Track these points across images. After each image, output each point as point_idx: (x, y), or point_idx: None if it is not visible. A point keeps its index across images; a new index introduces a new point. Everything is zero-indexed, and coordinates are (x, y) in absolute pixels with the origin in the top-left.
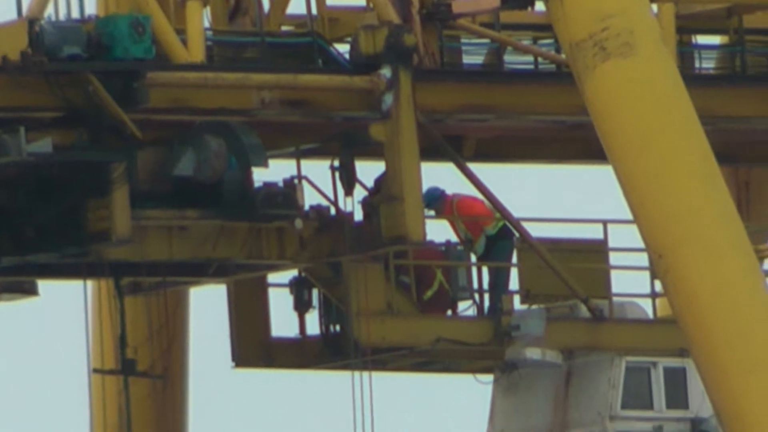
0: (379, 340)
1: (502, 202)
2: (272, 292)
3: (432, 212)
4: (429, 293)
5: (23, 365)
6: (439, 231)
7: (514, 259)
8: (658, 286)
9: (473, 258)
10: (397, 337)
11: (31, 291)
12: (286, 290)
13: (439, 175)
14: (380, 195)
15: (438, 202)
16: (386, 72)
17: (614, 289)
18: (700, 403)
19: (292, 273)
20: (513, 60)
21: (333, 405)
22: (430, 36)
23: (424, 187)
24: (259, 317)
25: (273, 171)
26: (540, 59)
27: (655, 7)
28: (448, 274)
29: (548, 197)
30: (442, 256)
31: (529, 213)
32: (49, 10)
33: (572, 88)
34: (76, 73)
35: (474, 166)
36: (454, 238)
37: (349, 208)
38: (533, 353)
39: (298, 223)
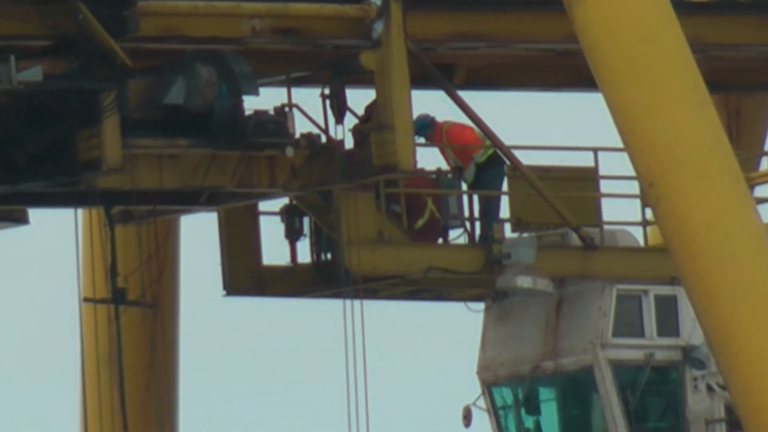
0: (370, 269)
1: (493, 129)
2: (263, 220)
3: (422, 139)
4: (420, 222)
5: (14, 294)
6: (429, 159)
7: (505, 187)
8: (649, 213)
9: (464, 186)
10: (388, 265)
11: (22, 219)
12: (277, 218)
13: (430, 103)
14: (371, 123)
15: (428, 129)
16: (377, 0)
17: (605, 217)
18: (690, 331)
19: (283, 201)
20: None
21: (324, 333)
22: None
23: (415, 115)
24: (250, 245)
25: (264, 99)
26: None
27: None
28: (439, 202)
29: (539, 125)
30: (432, 184)
31: (520, 140)
32: None
33: (563, 15)
34: (66, 2)
35: (465, 94)
36: (444, 166)
37: (339, 136)
38: (524, 281)
39: (289, 151)
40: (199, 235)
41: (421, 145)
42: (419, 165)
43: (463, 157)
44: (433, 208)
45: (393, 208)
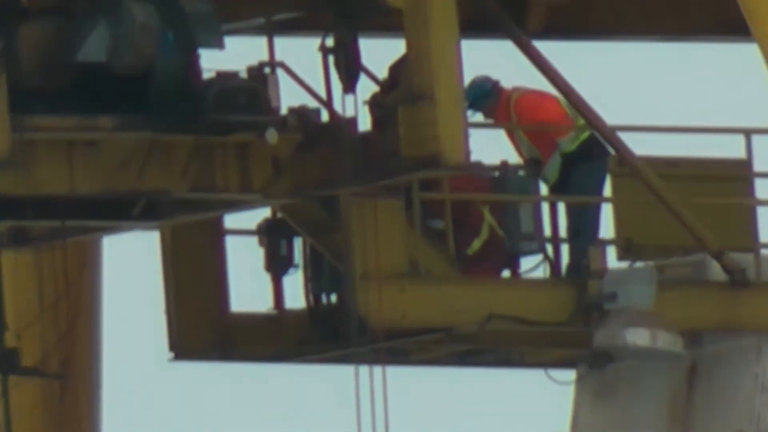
0: (398, 318)
1: (587, 100)
2: (231, 244)
3: (479, 116)
4: (476, 245)
5: None
6: (489, 147)
7: (608, 191)
8: None
9: (544, 190)
10: (427, 312)
11: None
12: (253, 240)
13: (491, 61)
14: (398, 91)
15: (488, 99)
16: None
17: (763, 237)
18: None
19: (263, 213)
20: None
21: (328, 417)
22: None
23: (468, 78)
24: (211, 282)
25: (231, 54)
26: None
27: None
28: (504, 214)
29: (658, 94)
30: (492, 186)
31: (629, 119)
32: None
33: None
34: None
35: (543, 46)
36: (513, 158)
37: (349, 112)
38: (638, 337)
39: (271, 135)
40: (132, 266)
41: (477, 125)
42: (474, 157)
43: (542, 144)
44: (493, 222)
45: (432, 223)
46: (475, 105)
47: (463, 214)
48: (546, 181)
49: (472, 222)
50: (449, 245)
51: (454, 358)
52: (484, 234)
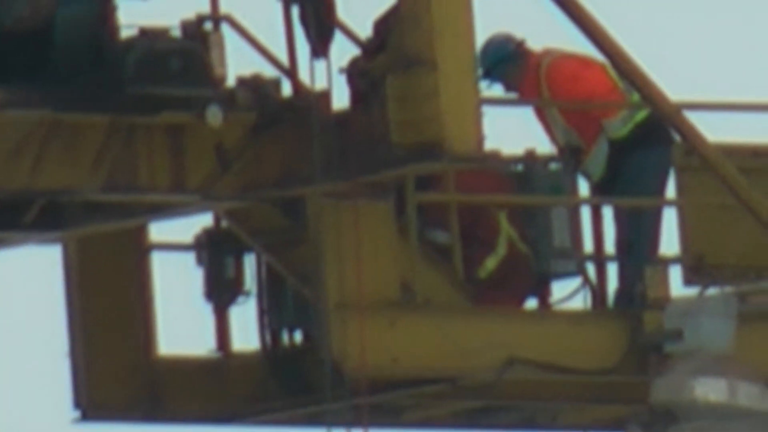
0: (386, 364)
1: (644, 69)
2: (159, 261)
3: (497, 87)
4: (490, 264)
5: None
6: (512, 131)
7: (672, 191)
8: None
9: (584, 188)
10: (425, 356)
11: None
12: (189, 258)
13: (514, 14)
14: (387, 55)
15: (510, 65)
16: None
17: None
18: None
19: (202, 221)
20: None
21: None
22: None
23: (483, 38)
24: (130, 315)
25: (161, 5)
26: None
27: None
28: (530, 223)
29: (738, 60)
30: (513, 185)
31: (701, 93)
32: None
33: None
34: None
35: None
36: (544, 146)
37: (320, 83)
38: (711, 389)
39: (214, 114)
40: (25, 291)
41: (494, 101)
42: (489, 145)
43: (583, 127)
44: (512, 233)
45: (432, 235)
46: (492, 73)
47: (473, 223)
48: (588, 176)
49: (485, 234)
50: (456, 264)
51: (462, 418)
52: (501, 249)
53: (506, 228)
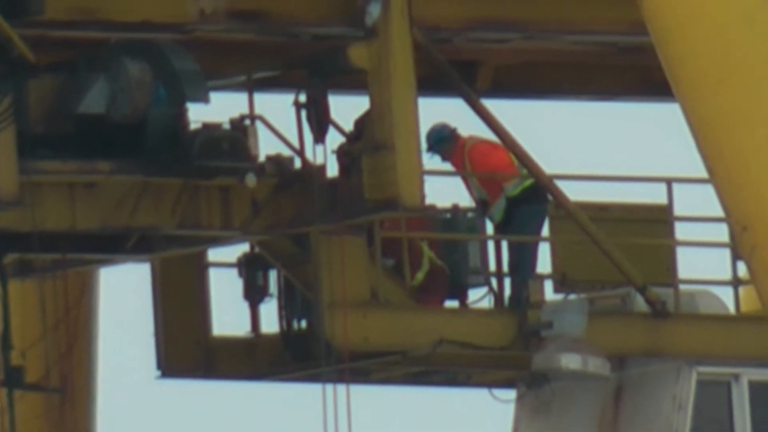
0: (360, 342)
1: (530, 152)
2: (214, 275)
3: (436, 158)
4: (419, 276)
5: None
6: (444, 188)
7: (547, 232)
8: (743, 268)
9: (489, 228)
10: (386, 337)
11: None
12: (234, 272)
13: (445, 115)
14: (362, 142)
15: (446, 144)
16: None
17: (682, 273)
18: None
19: (242, 248)
20: None
21: (297, 429)
22: None
23: (428, 126)
24: (194, 309)
25: (216, 107)
26: None
27: None
28: (452, 250)
29: (592, 147)
30: (440, 225)
31: (567, 168)
32: None
33: None
34: None
35: (491, 103)
36: (465, 199)
37: (319, 160)
38: (571, 361)
39: (250, 179)
40: (125, 294)
41: (431, 172)
42: (428, 200)
43: (491, 188)
44: (431, 255)
45: (383, 261)
46: (434, 148)
47: (407, 250)
48: (492, 220)
49: (414, 257)
50: (405, 278)
51: (409, 377)
52: (425, 266)
53: (427, 252)
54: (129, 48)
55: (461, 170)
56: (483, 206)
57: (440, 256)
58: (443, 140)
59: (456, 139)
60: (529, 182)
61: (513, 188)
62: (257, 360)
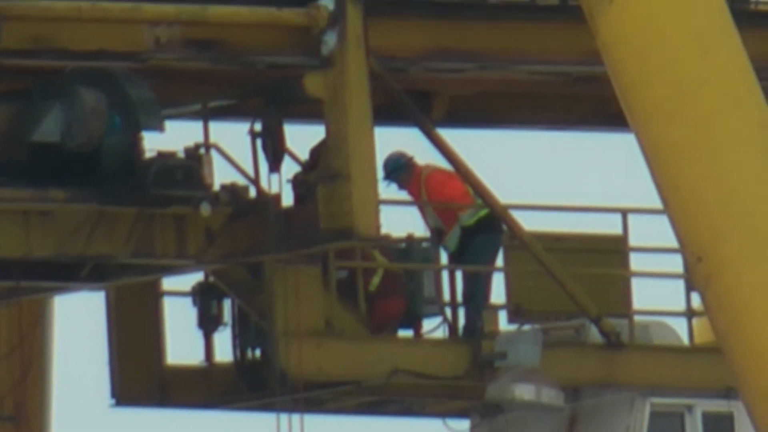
0: (314, 371)
1: (484, 182)
2: (168, 303)
3: (393, 185)
4: (375, 281)
5: None
6: (401, 216)
7: (501, 261)
8: (697, 300)
9: (444, 257)
10: (340, 366)
11: None
12: (188, 300)
13: (400, 144)
14: (318, 171)
15: (402, 172)
16: (328, 2)
17: (636, 304)
18: None
19: (196, 277)
20: None
21: None
22: None
23: (385, 154)
24: (149, 338)
25: (171, 136)
26: None
27: None
28: (410, 280)
29: (547, 177)
30: (399, 254)
31: (521, 198)
32: None
33: (581, 26)
34: None
35: (447, 133)
36: (420, 228)
37: (274, 189)
38: (524, 391)
39: (205, 208)
40: (79, 322)
41: (387, 202)
42: (384, 230)
43: (446, 217)
44: (383, 260)
45: (337, 274)
46: (391, 177)
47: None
48: (446, 249)
49: (368, 268)
50: (360, 307)
51: (363, 407)
52: (380, 271)
53: (379, 259)
54: (84, 76)
55: (418, 198)
56: (438, 235)
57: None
58: (400, 169)
59: (413, 167)
60: (484, 212)
61: (468, 218)
62: (211, 389)
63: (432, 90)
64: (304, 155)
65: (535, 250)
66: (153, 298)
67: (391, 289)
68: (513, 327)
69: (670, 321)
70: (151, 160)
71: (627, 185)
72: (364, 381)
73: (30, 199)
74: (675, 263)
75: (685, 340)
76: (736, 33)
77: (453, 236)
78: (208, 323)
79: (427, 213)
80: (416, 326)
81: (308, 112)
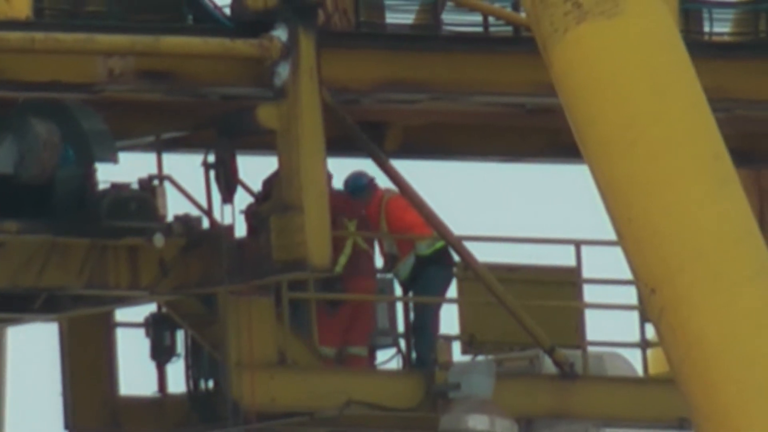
0: (267, 402)
1: (438, 214)
2: (121, 334)
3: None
4: (342, 260)
5: None
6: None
7: (454, 292)
8: (651, 331)
9: (398, 288)
10: (293, 398)
11: None
12: (141, 331)
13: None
14: (271, 202)
15: (363, 193)
16: (281, 34)
17: (590, 335)
18: None
19: (149, 308)
20: (454, 20)
21: None
22: None
23: (345, 173)
24: (102, 368)
25: (124, 168)
26: (491, 19)
27: None
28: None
29: (500, 208)
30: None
31: (474, 230)
32: None
33: (534, 58)
34: None
35: (400, 164)
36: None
37: (227, 220)
38: (478, 422)
39: (158, 239)
40: (32, 353)
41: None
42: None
43: (402, 244)
44: (357, 237)
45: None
46: (353, 195)
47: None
48: (397, 276)
49: (336, 239)
50: (313, 338)
51: None
52: (348, 249)
53: (352, 230)
54: (37, 108)
55: (375, 220)
56: (392, 261)
57: (366, 240)
58: (360, 188)
59: (373, 188)
60: (440, 244)
61: (425, 248)
62: (164, 420)
63: (385, 121)
64: (257, 186)
65: (489, 281)
66: (106, 329)
67: (359, 269)
68: (467, 358)
69: (625, 352)
70: (105, 192)
71: (580, 217)
72: (317, 412)
73: None
74: (629, 295)
75: (640, 371)
76: (691, 64)
77: (407, 264)
78: (161, 354)
79: (384, 238)
80: (370, 357)
81: (261, 143)
